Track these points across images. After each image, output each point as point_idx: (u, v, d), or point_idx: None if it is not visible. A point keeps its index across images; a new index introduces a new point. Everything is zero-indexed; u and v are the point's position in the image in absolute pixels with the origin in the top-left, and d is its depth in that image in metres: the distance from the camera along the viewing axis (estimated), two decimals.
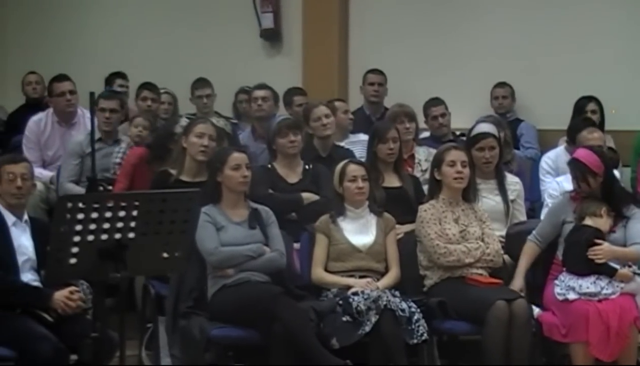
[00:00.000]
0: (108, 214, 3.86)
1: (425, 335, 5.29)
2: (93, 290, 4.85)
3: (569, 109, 7.64)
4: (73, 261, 3.86)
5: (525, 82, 8.27)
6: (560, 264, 5.56)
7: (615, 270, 5.39)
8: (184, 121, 6.30)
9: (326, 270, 5.66)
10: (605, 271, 5.39)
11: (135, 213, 3.90)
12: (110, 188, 6.33)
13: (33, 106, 8.28)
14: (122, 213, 3.88)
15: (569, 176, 5.83)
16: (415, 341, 5.27)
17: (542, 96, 8.29)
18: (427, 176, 6.32)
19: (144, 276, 5.69)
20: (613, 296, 5.35)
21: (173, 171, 5.95)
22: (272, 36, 9.31)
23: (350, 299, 5.29)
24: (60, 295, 4.95)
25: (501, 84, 8.26)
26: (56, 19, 10.07)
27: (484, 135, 6.14)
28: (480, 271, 5.60)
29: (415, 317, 5.29)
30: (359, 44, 9.02)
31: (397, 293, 5.45)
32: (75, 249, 3.85)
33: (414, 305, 5.35)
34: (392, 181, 6.17)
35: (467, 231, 5.64)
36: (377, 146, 6.17)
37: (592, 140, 6.27)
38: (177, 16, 9.57)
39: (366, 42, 8.96)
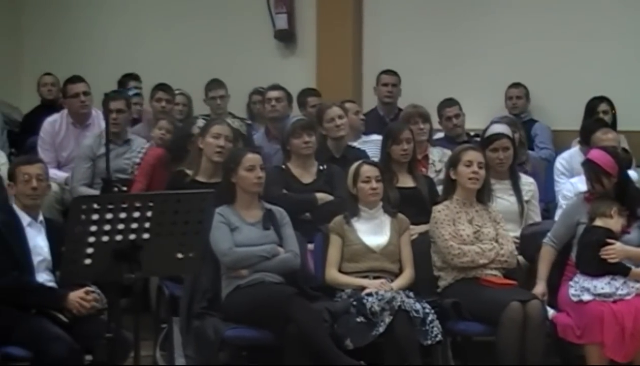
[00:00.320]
0: (122, 215, 3.87)
1: (439, 336, 5.29)
2: (105, 292, 4.88)
3: (583, 109, 7.62)
4: (88, 261, 3.87)
5: (540, 82, 8.26)
6: (574, 265, 5.55)
7: (629, 269, 5.38)
8: (200, 122, 6.32)
9: (340, 271, 5.66)
10: (619, 270, 5.38)
11: (149, 213, 3.91)
12: (125, 188, 6.34)
13: (48, 107, 8.31)
14: (136, 214, 3.89)
15: (583, 177, 5.81)
16: (429, 342, 5.26)
17: (556, 96, 8.27)
18: (441, 176, 6.32)
19: (158, 276, 5.71)
20: (628, 297, 5.33)
21: (189, 172, 5.98)
22: (286, 37, 9.32)
23: (364, 300, 5.29)
24: (75, 296, 4.96)
25: (515, 85, 8.25)
26: (70, 21, 10.10)
27: (498, 136, 6.13)
28: (494, 272, 5.59)
29: (429, 318, 5.29)
30: (372, 45, 9.02)
31: (411, 294, 5.45)
32: (89, 250, 3.86)
33: (428, 306, 5.35)
34: (406, 181, 6.17)
35: (481, 231, 5.64)
36: (391, 147, 6.17)
37: (606, 141, 6.25)
38: (191, 17, 9.58)
39: (380, 43, 8.96)
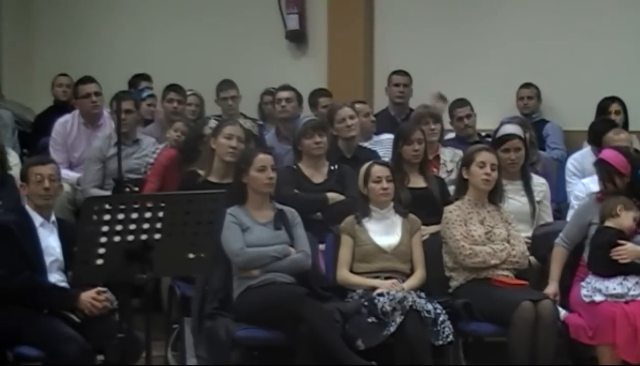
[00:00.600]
0: (134, 215, 3.87)
1: (450, 336, 5.28)
2: (117, 293, 4.88)
3: (595, 110, 7.61)
4: (100, 262, 3.88)
5: (551, 83, 8.25)
6: (586, 266, 5.54)
7: None
8: (212, 122, 6.33)
9: (351, 271, 5.66)
10: (631, 270, 5.37)
11: (161, 214, 3.91)
12: (136, 189, 6.36)
13: (60, 108, 8.31)
14: (148, 214, 3.89)
15: (595, 178, 5.80)
16: (440, 342, 5.26)
17: (568, 96, 8.26)
18: (452, 177, 6.32)
19: (170, 277, 5.71)
20: None
21: (201, 172, 5.99)
22: (298, 37, 9.32)
23: (376, 300, 5.29)
24: (86, 296, 4.98)
25: (527, 85, 8.24)
26: (81, 22, 10.11)
27: (510, 136, 6.12)
28: (505, 272, 5.58)
29: (441, 318, 5.28)
30: (384, 45, 9.01)
31: (422, 294, 5.44)
32: (101, 250, 3.86)
33: (439, 306, 5.34)
34: (417, 182, 6.16)
35: (493, 232, 5.63)
36: (402, 147, 6.17)
37: (618, 141, 6.24)
38: (202, 18, 9.59)
39: (391, 43, 8.95)
